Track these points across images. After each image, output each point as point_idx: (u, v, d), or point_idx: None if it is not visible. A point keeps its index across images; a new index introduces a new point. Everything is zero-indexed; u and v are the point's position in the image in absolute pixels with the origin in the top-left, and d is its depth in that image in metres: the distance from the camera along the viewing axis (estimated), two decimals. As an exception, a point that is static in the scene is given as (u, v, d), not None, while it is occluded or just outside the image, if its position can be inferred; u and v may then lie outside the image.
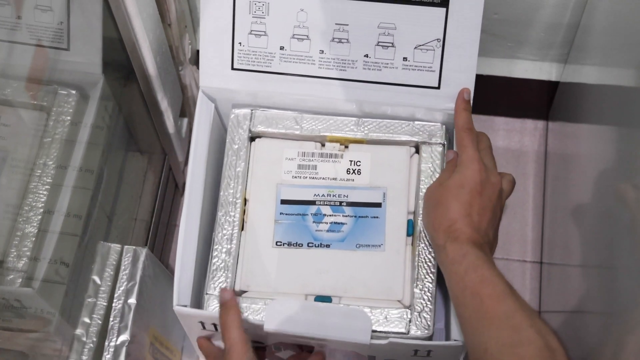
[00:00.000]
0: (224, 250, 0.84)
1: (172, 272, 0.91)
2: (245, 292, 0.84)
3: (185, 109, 1.10)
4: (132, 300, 0.85)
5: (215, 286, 0.83)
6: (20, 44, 0.84)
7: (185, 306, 0.81)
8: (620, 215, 0.72)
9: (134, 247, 0.87)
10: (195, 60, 1.09)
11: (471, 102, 0.84)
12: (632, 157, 0.72)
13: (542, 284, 1.11)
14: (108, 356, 0.82)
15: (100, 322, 0.84)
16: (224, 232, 0.85)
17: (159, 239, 1.08)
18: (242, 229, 0.86)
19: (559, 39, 1.06)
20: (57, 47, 0.86)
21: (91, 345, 0.83)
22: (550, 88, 1.12)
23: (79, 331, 0.83)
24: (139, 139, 1.04)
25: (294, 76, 0.87)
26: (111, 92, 0.92)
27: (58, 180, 0.85)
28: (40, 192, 0.83)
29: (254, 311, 0.81)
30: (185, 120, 1.11)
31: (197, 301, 0.84)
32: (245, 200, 0.87)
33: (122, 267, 0.86)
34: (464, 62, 0.84)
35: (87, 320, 0.84)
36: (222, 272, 0.83)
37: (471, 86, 0.85)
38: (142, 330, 0.87)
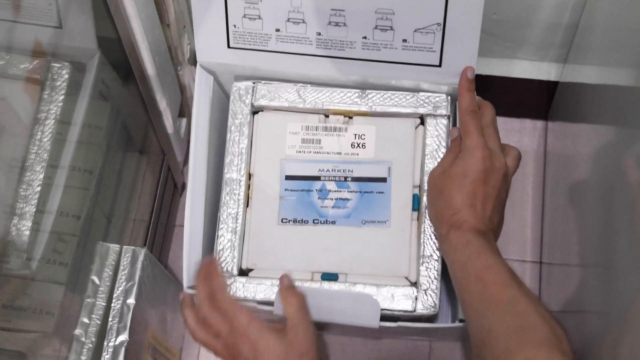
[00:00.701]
0: (230, 229, 0.84)
1: (171, 273, 0.92)
2: (251, 270, 0.84)
3: (184, 109, 1.09)
4: (131, 301, 0.85)
5: (222, 267, 0.83)
6: (11, 21, 0.84)
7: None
8: (620, 214, 0.72)
9: (132, 247, 0.87)
10: (194, 60, 1.09)
11: (474, 80, 0.83)
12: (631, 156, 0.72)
13: (541, 284, 1.11)
14: (107, 356, 0.82)
15: (99, 322, 0.84)
16: (229, 210, 0.85)
17: (158, 240, 1.08)
18: (248, 206, 0.86)
19: (558, 39, 1.05)
20: (49, 26, 0.85)
21: (90, 345, 0.83)
22: (549, 88, 1.11)
23: (77, 331, 0.83)
24: (138, 139, 1.04)
25: (292, 54, 0.86)
26: (108, 66, 0.91)
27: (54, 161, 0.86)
28: (37, 169, 0.84)
29: (261, 291, 0.82)
30: (184, 121, 1.11)
31: None
32: (249, 176, 0.87)
33: (121, 268, 0.86)
34: (466, 44, 0.83)
35: (86, 320, 0.84)
36: (228, 252, 0.84)
37: (473, 65, 0.84)
38: (141, 331, 0.87)
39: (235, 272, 0.83)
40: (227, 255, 0.83)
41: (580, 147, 0.95)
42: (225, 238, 0.84)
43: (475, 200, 0.76)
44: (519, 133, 1.18)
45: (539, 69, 1.10)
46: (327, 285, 0.82)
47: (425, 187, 0.83)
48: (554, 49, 1.07)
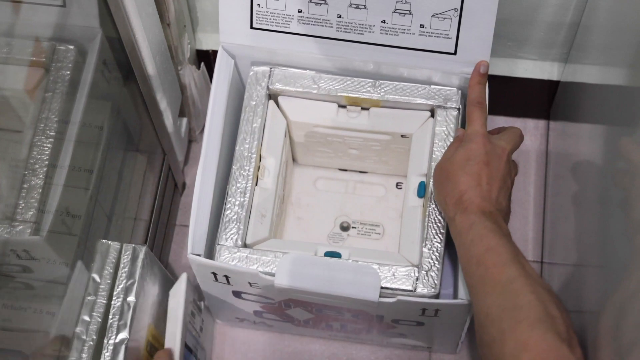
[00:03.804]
0: (237, 203, 0.87)
1: (171, 272, 0.92)
2: (256, 244, 0.87)
3: (185, 109, 1.09)
4: (131, 298, 0.84)
5: (227, 237, 0.85)
6: (13, 2, 0.84)
7: (199, 255, 0.83)
8: (621, 214, 0.72)
9: (133, 245, 0.87)
10: (195, 59, 1.09)
11: (487, 74, 0.87)
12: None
13: (543, 283, 1.10)
14: (107, 354, 0.82)
15: (100, 320, 0.84)
16: (238, 185, 0.87)
17: (158, 239, 1.08)
18: (256, 184, 0.89)
19: (559, 39, 1.05)
20: (52, 5, 0.85)
21: (91, 343, 0.82)
22: (551, 87, 1.11)
23: (78, 329, 0.83)
24: (138, 139, 1.04)
25: (311, 37, 0.89)
26: (109, 46, 0.91)
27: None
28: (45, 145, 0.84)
29: (263, 263, 0.83)
30: (185, 120, 1.11)
31: (210, 253, 0.86)
32: (260, 157, 0.90)
33: (122, 265, 0.86)
34: (481, 31, 0.86)
35: (87, 318, 0.84)
36: (234, 224, 0.86)
37: (487, 55, 0.87)
38: (141, 329, 0.87)
39: (240, 244, 0.85)
40: (232, 227, 0.86)
41: (581, 147, 0.95)
42: (232, 211, 0.86)
43: (480, 181, 0.78)
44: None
45: (540, 68, 1.10)
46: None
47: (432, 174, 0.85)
48: (555, 48, 1.07)
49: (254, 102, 0.90)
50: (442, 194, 0.81)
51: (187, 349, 0.89)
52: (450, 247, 0.85)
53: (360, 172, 1.04)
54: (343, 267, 0.82)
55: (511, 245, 0.74)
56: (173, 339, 0.85)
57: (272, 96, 0.92)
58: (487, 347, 0.70)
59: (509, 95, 1.13)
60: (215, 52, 1.03)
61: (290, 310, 0.91)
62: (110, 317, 0.83)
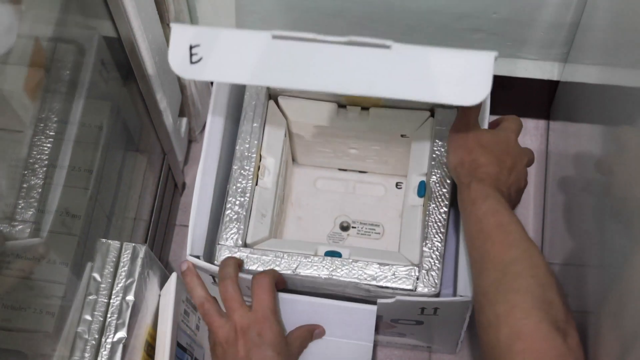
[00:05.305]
0: (237, 202, 0.87)
1: (170, 273, 0.92)
2: (256, 243, 0.87)
3: (184, 109, 1.09)
4: (130, 298, 0.84)
5: (227, 237, 0.85)
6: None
7: (198, 257, 0.83)
8: (621, 214, 0.72)
9: (133, 244, 0.87)
10: (195, 60, 1.09)
11: None
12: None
13: (543, 283, 1.10)
14: (105, 352, 0.82)
15: (102, 319, 0.84)
16: (238, 185, 0.88)
17: (158, 239, 1.08)
18: (256, 184, 0.89)
19: (559, 38, 1.05)
20: (50, 5, 0.85)
21: (93, 342, 0.82)
22: (551, 87, 1.11)
23: (80, 329, 0.83)
24: (138, 139, 1.04)
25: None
26: (109, 46, 0.91)
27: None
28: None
29: (264, 263, 0.83)
30: (185, 120, 1.11)
31: (210, 253, 0.87)
32: (260, 156, 0.90)
33: (121, 264, 0.86)
34: None
35: (88, 317, 0.84)
36: (234, 224, 0.86)
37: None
38: (139, 328, 0.87)
39: (240, 243, 0.85)
40: (233, 227, 0.86)
41: (581, 147, 0.95)
42: (232, 211, 0.86)
43: (502, 165, 0.78)
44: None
45: (540, 68, 1.10)
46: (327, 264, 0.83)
47: (433, 174, 0.85)
48: (555, 48, 1.07)
49: (254, 102, 0.91)
50: (458, 157, 0.79)
51: (180, 347, 0.89)
52: (450, 245, 0.85)
53: (360, 172, 1.04)
54: (337, 310, 0.84)
55: (520, 225, 0.74)
56: (163, 338, 0.85)
57: (272, 96, 0.92)
58: (483, 330, 0.69)
59: (509, 95, 1.13)
60: (215, 52, 1.04)
61: None
62: (108, 315, 0.83)
